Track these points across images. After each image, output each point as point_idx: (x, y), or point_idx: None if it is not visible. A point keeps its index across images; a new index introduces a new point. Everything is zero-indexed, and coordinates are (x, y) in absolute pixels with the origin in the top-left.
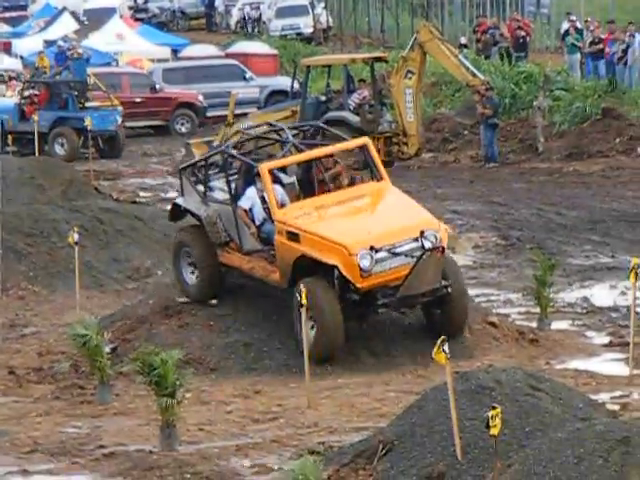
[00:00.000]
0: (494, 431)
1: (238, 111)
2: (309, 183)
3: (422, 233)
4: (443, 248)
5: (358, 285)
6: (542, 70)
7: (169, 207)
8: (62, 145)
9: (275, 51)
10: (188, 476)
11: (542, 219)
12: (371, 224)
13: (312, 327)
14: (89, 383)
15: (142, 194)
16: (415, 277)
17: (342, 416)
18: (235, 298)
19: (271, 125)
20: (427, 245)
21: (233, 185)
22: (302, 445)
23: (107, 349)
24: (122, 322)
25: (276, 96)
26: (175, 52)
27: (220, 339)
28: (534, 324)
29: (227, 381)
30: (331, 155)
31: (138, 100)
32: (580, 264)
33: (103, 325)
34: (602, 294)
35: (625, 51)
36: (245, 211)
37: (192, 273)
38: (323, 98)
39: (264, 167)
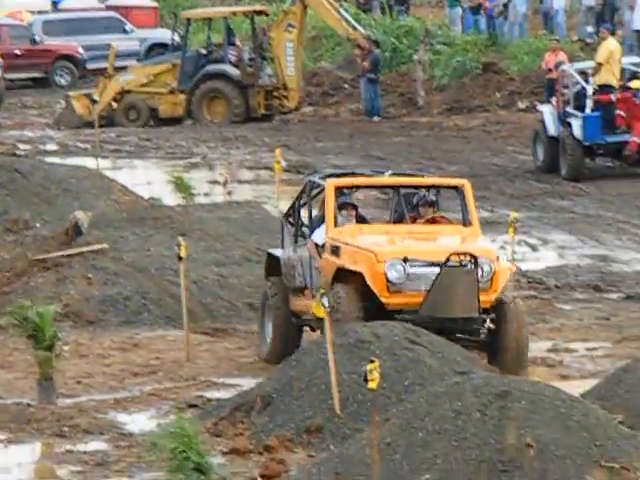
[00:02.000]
0: (372, 385)
1: (118, 63)
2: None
3: (474, 258)
4: (476, 265)
5: (383, 300)
6: (423, 24)
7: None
8: None
9: (155, 3)
10: (66, 429)
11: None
12: (417, 242)
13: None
14: None
15: (21, 146)
16: (439, 295)
17: (221, 370)
18: (115, 250)
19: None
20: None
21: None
22: (180, 398)
23: None
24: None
25: (156, 49)
26: (55, 4)
27: (99, 292)
28: None
29: (106, 334)
30: (432, 204)
31: (18, 52)
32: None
33: None
34: None
35: (505, 6)
36: (316, 246)
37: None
38: (203, 51)
39: (331, 182)
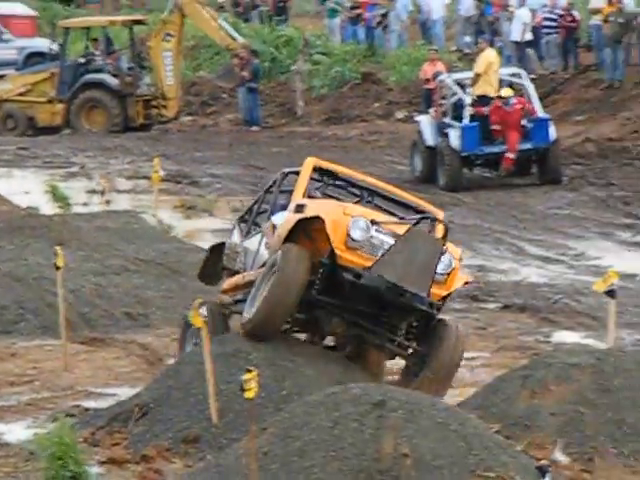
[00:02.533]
0: (249, 394)
1: None
2: None
3: (444, 242)
4: (445, 236)
5: (337, 252)
6: (302, 34)
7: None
8: None
9: (34, 12)
10: None
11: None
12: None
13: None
14: None
15: None
16: (397, 256)
17: (98, 379)
18: None
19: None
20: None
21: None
22: (58, 408)
23: None
24: None
25: (35, 58)
26: None
27: None
28: None
29: None
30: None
31: None
32: None
33: None
34: None
35: (384, 16)
36: (273, 227)
37: None
38: (82, 60)
39: (311, 160)
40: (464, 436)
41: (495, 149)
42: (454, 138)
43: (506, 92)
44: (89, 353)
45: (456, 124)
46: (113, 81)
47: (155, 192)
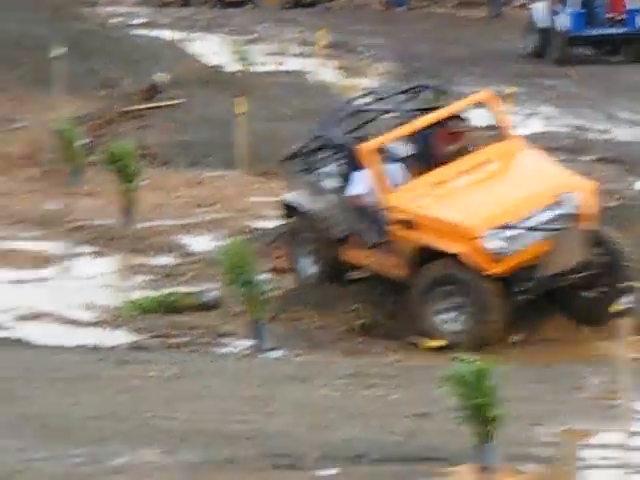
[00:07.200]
0: None
1: None
2: (427, 154)
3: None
4: (589, 215)
5: (490, 272)
6: None
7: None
8: None
9: None
10: (141, 246)
11: (438, 53)
12: (498, 195)
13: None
14: (66, 169)
15: (113, 20)
16: (556, 253)
17: (267, 205)
18: (186, 105)
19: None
20: (568, 211)
21: (340, 171)
22: (235, 226)
23: (83, 142)
24: (94, 122)
25: None
26: None
27: (172, 139)
28: None
29: (176, 173)
30: (450, 118)
31: None
32: (462, 92)
33: (80, 122)
34: None
35: None
36: (359, 197)
37: (311, 264)
38: None
39: (364, 149)
40: None
41: (595, 31)
42: (565, 21)
43: None
44: (261, 183)
45: (567, 9)
46: None
47: (319, 56)
